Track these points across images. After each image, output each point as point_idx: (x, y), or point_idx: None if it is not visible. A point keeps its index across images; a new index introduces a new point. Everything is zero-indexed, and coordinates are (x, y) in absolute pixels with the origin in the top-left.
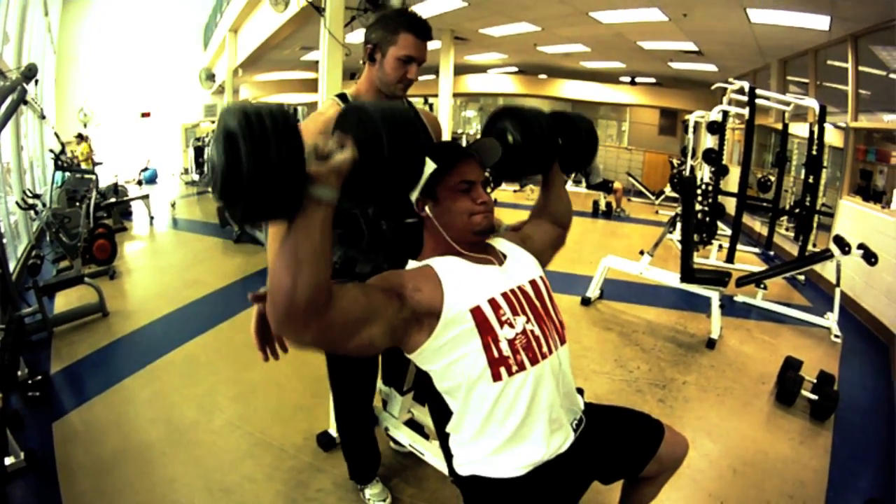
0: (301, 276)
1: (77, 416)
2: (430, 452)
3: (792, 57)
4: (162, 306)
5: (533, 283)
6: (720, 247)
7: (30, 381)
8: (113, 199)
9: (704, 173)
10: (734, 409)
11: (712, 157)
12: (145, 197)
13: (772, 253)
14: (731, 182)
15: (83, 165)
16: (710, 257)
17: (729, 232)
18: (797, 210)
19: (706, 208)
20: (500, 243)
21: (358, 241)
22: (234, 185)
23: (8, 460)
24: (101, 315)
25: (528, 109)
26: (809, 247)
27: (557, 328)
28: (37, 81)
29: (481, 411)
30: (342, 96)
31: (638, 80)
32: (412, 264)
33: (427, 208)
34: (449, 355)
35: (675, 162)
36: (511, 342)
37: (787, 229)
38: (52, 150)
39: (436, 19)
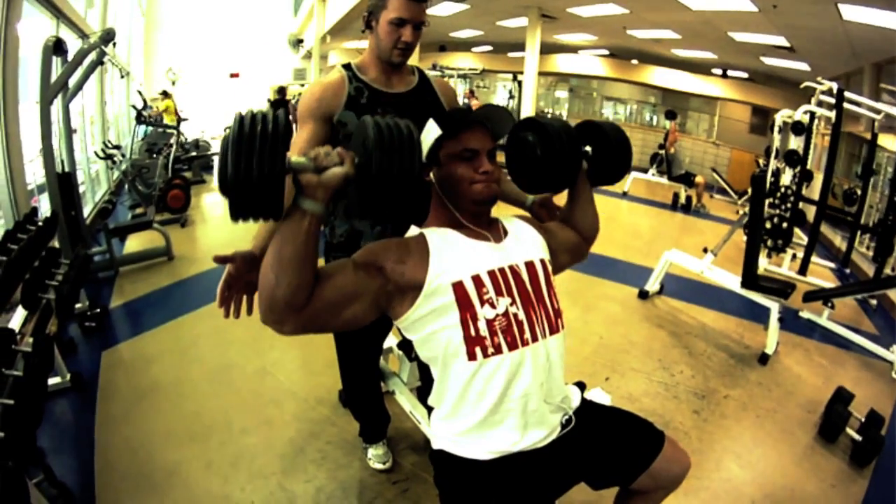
0: (283, 276)
1: (126, 348)
2: (426, 423)
3: (888, 62)
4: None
5: (530, 264)
6: (794, 256)
7: (88, 313)
8: (194, 153)
9: (787, 177)
10: (771, 435)
11: (794, 159)
12: None
13: (848, 271)
14: (816, 189)
15: (167, 121)
16: (783, 266)
17: (806, 241)
18: (879, 228)
19: (785, 214)
20: (509, 221)
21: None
22: (222, 185)
23: (55, 380)
24: (166, 259)
25: (553, 123)
26: (887, 269)
27: (550, 316)
28: (115, 43)
29: (455, 389)
30: (347, 66)
31: (730, 73)
32: (413, 230)
33: (431, 175)
34: (429, 326)
35: (762, 162)
36: (490, 322)
37: (867, 248)
38: (134, 106)
39: None
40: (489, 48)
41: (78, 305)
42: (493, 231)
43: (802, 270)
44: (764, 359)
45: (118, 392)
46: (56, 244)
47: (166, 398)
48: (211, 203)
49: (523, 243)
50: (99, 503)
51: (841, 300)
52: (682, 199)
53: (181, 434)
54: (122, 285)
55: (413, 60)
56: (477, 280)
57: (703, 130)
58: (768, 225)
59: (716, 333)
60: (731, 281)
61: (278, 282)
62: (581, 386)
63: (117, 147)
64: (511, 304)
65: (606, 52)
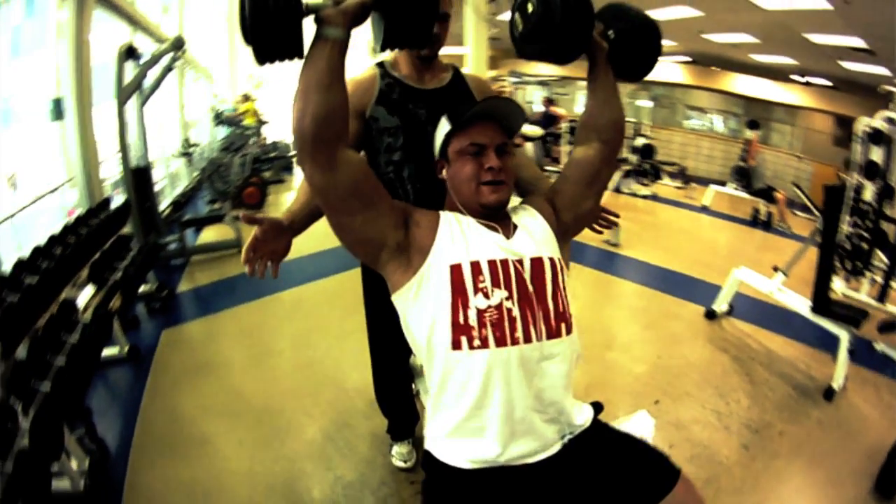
0: (308, 105)
1: (185, 328)
2: None
3: None
4: (292, 251)
5: (537, 261)
6: (873, 281)
7: (155, 295)
8: (273, 154)
9: (869, 192)
10: (822, 482)
11: (873, 171)
12: None
13: None
14: None
15: (246, 122)
16: (861, 291)
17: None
18: None
19: (865, 233)
20: (518, 213)
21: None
22: (242, 26)
23: (113, 350)
24: (236, 251)
25: None
26: None
27: (550, 319)
28: (185, 50)
29: (437, 379)
30: (380, 64)
31: (812, 81)
32: None
33: (444, 171)
34: (420, 302)
35: (844, 177)
36: (481, 313)
37: None
38: (213, 108)
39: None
40: None
41: (146, 287)
42: (504, 225)
43: (881, 297)
44: (829, 394)
45: (170, 367)
46: (130, 231)
47: (213, 376)
48: (288, 202)
49: (534, 238)
50: (132, 462)
51: None
52: (763, 216)
53: (220, 410)
54: (191, 272)
55: (481, 65)
56: (475, 267)
57: (786, 143)
58: (848, 245)
59: (781, 362)
60: (801, 304)
61: (304, 112)
62: (597, 407)
63: (195, 146)
64: (507, 299)
65: (688, 58)
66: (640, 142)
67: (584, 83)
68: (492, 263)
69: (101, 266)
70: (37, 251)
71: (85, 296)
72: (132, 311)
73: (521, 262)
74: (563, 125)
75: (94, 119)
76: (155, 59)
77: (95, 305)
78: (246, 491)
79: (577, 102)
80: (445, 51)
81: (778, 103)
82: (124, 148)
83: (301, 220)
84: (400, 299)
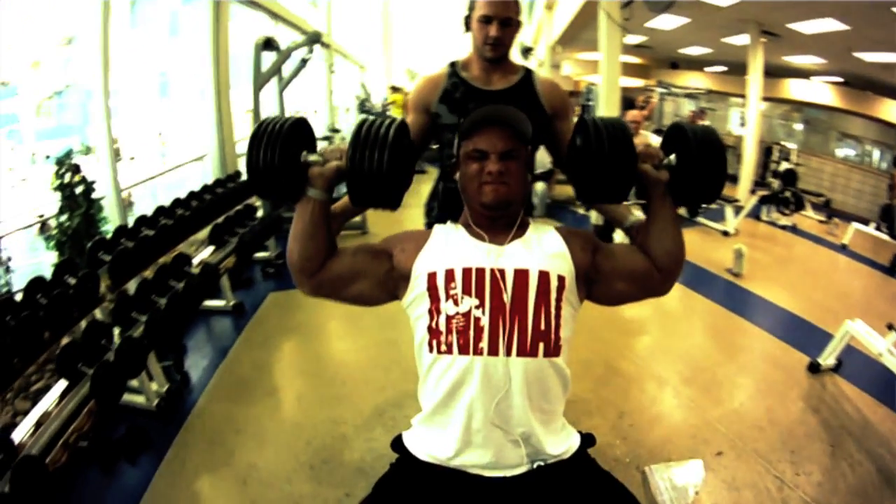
0: (295, 246)
1: (290, 294)
2: None
3: None
4: None
5: (522, 272)
6: None
7: (272, 261)
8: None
9: None
10: None
11: None
12: None
13: None
14: None
15: (392, 113)
16: None
17: None
18: None
19: None
20: (538, 229)
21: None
22: (248, 178)
23: (220, 302)
24: (360, 232)
25: (605, 120)
26: None
27: (526, 335)
28: (323, 44)
29: (421, 372)
30: (453, 63)
31: None
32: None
33: (457, 174)
34: (412, 313)
35: None
36: (449, 319)
37: None
38: (358, 97)
39: (735, 8)
40: (722, 68)
41: (266, 254)
42: (501, 233)
43: None
44: None
45: (266, 324)
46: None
47: (301, 339)
48: (426, 193)
49: (532, 251)
50: (204, 395)
51: None
52: None
53: (295, 368)
54: None
55: (614, 71)
56: (449, 274)
57: None
58: None
59: (876, 438)
60: None
61: (292, 251)
62: (588, 439)
63: (336, 131)
64: (477, 307)
65: (839, 79)
66: (783, 166)
67: (737, 99)
68: (466, 271)
69: (221, 229)
70: (159, 210)
71: (206, 253)
72: (247, 273)
73: (502, 272)
74: None
75: (233, 100)
76: (289, 51)
77: (205, 262)
78: (287, 439)
79: (728, 120)
80: (584, 55)
81: None
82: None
83: (336, 218)
84: (406, 310)
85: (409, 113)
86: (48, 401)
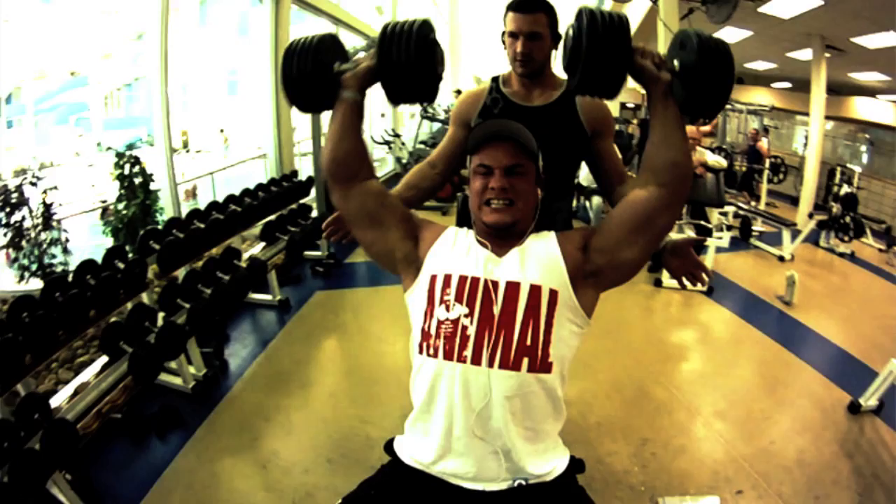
0: (328, 148)
1: (336, 293)
2: None
3: None
4: None
5: (513, 285)
6: None
7: (323, 260)
8: None
9: None
10: None
11: None
12: None
13: None
14: None
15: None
16: None
17: None
18: None
19: None
20: (533, 239)
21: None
22: (284, 88)
23: (266, 296)
24: None
25: (602, 11)
26: None
27: (510, 349)
28: None
29: (412, 372)
30: (495, 78)
31: None
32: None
33: (467, 187)
34: (412, 307)
35: None
36: (439, 323)
37: None
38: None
39: (798, 21)
40: (788, 85)
41: (317, 253)
42: (505, 245)
43: None
44: None
45: (308, 321)
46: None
47: (341, 338)
48: None
49: (524, 264)
50: (240, 381)
51: None
52: None
53: (331, 365)
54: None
55: None
56: (447, 279)
57: None
58: None
59: None
60: None
61: (326, 154)
62: (577, 464)
63: (397, 136)
64: (466, 316)
65: None
66: (844, 190)
67: (803, 117)
68: (462, 279)
69: (273, 227)
70: (212, 204)
71: (256, 249)
72: (296, 270)
73: (495, 283)
74: (767, 162)
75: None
76: (351, 55)
77: (254, 257)
78: (312, 431)
79: (794, 139)
80: None
81: None
82: (317, 128)
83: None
84: (407, 299)
85: (451, 126)
86: (89, 373)
